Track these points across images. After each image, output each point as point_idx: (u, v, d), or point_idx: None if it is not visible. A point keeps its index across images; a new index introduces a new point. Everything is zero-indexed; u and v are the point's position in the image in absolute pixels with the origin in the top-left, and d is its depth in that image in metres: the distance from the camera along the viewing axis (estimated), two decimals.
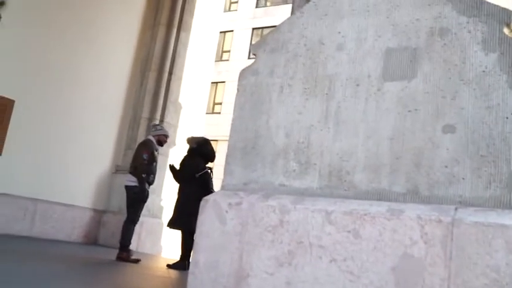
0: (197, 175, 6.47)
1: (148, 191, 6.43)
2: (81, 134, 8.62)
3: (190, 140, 6.91)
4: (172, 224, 6.59)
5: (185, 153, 6.94)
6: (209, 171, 6.64)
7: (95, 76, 8.85)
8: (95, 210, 8.91)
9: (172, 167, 6.80)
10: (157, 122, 7.25)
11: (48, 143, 8.13)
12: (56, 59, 8.22)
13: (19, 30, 7.71)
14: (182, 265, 6.19)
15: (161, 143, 6.70)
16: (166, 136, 6.78)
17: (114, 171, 9.25)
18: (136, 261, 6.14)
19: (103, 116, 9.06)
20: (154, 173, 6.50)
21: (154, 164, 6.47)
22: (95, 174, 8.99)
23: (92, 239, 8.79)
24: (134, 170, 6.33)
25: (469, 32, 2.02)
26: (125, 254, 6.15)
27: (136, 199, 6.31)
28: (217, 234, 2.29)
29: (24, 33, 7.80)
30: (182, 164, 6.75)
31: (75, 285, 3.41)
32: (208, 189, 6.36)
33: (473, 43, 2.00)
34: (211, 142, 7.05)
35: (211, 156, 6.76)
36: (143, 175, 6.25)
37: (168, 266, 6.26)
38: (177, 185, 6.84)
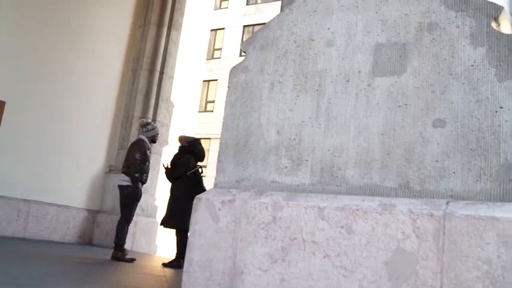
0: (188, 173, 6.50)
1: (141, 190, 6.44)
2: (74, 135, 8.60)
3: (182, 139, 6.94)
4: (165, 223, 6.61)
5: (176, 152, 6.99)
6: (200, 169, 6.68)
7: (87, 76, 8.82)
8: (88, 210, 8.89)
9: (165, 167, 6.85)
10: (145, 120, 7.22)
11: (40, 143, 8.10)
12: (47, 59, 8.19)
13: (9, 32, 7.66)
14: (177, 264, 6.20)
15: (154, 141, 6.74)
16: (158, 134, 6.83)
17: (107, 171, 9.23)
18: (132, 260, 6.14)
19: (95, 116, 9.03)
20: (147, 172, 6.51)
21: (147, 163, 6.48)
22: (88, 175, 8.96)
23: (86, 239, 8.78)
24: (127, 169, 6.34)
25: (458, 26, 2.03)
26: (120, 253, 6.15)
27: (130, 198, 6.31)
28: (211, 232, 2.30)
29: (15, 34, 7.75)
30: (173, 162, 6.77)
31: (71, 285, 3.40)
32: (199, 186, 6.38)
33: (462, 37, 2.01)
34: (204, 140, 7.10)
35: (200, 154, 6.78)
36: (136, 174, 6.26)
37: (164, 264, 6.27)
38: (170, 184, 6.86)
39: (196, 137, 7.30)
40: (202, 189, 6.26)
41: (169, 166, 6.80)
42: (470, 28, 2.00)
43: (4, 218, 7.53)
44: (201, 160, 6.86)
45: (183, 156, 6.66)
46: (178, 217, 6.32)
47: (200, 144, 6.91)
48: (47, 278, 3.57)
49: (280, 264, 2.10)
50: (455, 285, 1.75)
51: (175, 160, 6.75)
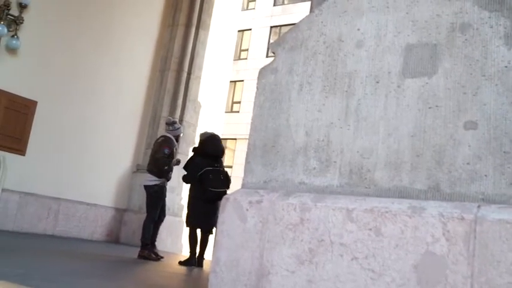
0: (197, 174, 6.50)
1: (166, 188, 6.52)
2: (103, 134, 8.74)
3: (200, 136, 6.97)
4: (186, 223, 6.78)
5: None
6: (210, 168, 6.50)
7: (115, 76, 8.96)
8: (116, 209, 9.02)
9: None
10: (172, 119, 7.24)
11: (70, 143, 8.26)
12: (76, 60, 8.34)
13: (41, 33, 7.84)
14: (191, 262, 6.35)
15: (177, 140, 6.80)
16: (182, 134, 6.93)
17: (134, 170, 9.35)
18: (159, 259, 6.21)
19: (123, 116, 9.16)
20: (172, 170, 6.58)
21: (173, 161, 6.57)
22: (116, 174, 9.10)
23: (114, 238, 8.91)
24: (154, 165, 6.41)
25: (491, 27, 1.99)
26: (146, 252, 6.23)
27: (156, 197, 6.39)
28: (238, 232, 2.30)
29: (46, 35, 7.92)
30: (185, 165, 6.79)
31: (99, 282, 3.46)
32: (205, 188, 6.35)
33: (495, 38, 1.97)
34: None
35: (212, 152, 6.62)
36: (165, 167, 6.32)
37: (180, 263, 6.40)
38: None
39: (213, 133, 7.12)
40: (209, 191, 6.28)
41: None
42: (505, 28, 1.96)
43: (35, 215, 7.71)
44: (219, 156, 6.68)
45: (194, 159, 6.65)
46: (190, 217, 6.53)
47: (213, 140, 6.74)
48: (76, 275, 3.63)
49: (307, 266, 2.10)
50: None
51: (187, 164, 6.75)
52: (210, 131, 7.31)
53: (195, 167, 6.54)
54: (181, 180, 6.95)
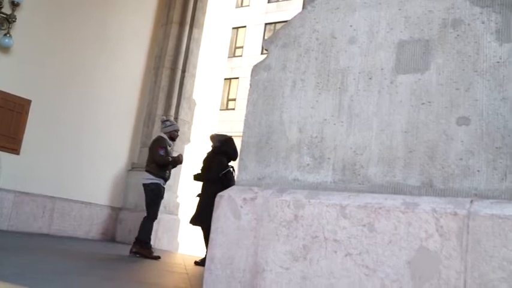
0: (220, 174, 6.50)
1: (164, 187, 6.53)
2: (97, 133, 8.72)
3: (213, 138, 6.94)
4: (193, 221, 6.66)
5: (208, 151, 6.98)
6: (231, 169, 6.65)
7: (109, 75, 8.93)
8: (112, 207, 9.00)
9: (195, 176, 6.87)
10: (165, 117, 7.30)
11: (64, 141, 8.23)
12: (70, 59, 8.31)
13: (34, 31, 7.80)
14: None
15: (173, 138, 6.78)
16: (177, 131, 6.86)
17: (130, 168, 9.33)
18: (157, 257, 6.21)
19: (118, 114, 9.14)
20: (169, 169, 6.60)
21: (177, 157, 6.62)
22: (111, 172, 9.08)
23: (109, 236, 8.90)
24: (152, 167, 6.43)
25: (483, 22, 2.00)
26: (146, 250, 6.23)
27: (154, 195, 6.40)
28: (232, 229, 2.30)
29: (39, 33, 7.89)
30: (206, 164, 6.77)
31: (95, 280, 3.45)
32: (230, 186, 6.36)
33: (487, 34, 1.98)
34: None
35: (233, 154, 6.76)
36: (170, 159, 6.39)
37: (196, 263, 6.33)
38: (195, 183, 6.91)
39: (228, 135, 7.21)
40: None
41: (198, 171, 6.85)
42: (496, 24, 1.96)
43: (30, 214, 7.68)
44: (234, 159, 6.82)
45: (216, 157, 6.67)
46: (208, 216, 6.38)
47: (232, 143, 6.86)
48: (72, 274, 3.63)
49: (301, 263, 2.10)
50: (479, 286, 1.72)
51: (209, 162, 6.75)
52: (219, 133, 7.40)
53: (220, 165, 6.58)
54: (177, 178, 6.94)
